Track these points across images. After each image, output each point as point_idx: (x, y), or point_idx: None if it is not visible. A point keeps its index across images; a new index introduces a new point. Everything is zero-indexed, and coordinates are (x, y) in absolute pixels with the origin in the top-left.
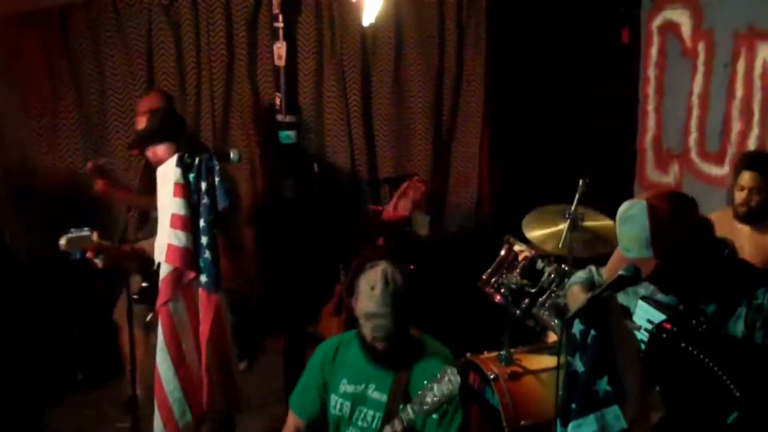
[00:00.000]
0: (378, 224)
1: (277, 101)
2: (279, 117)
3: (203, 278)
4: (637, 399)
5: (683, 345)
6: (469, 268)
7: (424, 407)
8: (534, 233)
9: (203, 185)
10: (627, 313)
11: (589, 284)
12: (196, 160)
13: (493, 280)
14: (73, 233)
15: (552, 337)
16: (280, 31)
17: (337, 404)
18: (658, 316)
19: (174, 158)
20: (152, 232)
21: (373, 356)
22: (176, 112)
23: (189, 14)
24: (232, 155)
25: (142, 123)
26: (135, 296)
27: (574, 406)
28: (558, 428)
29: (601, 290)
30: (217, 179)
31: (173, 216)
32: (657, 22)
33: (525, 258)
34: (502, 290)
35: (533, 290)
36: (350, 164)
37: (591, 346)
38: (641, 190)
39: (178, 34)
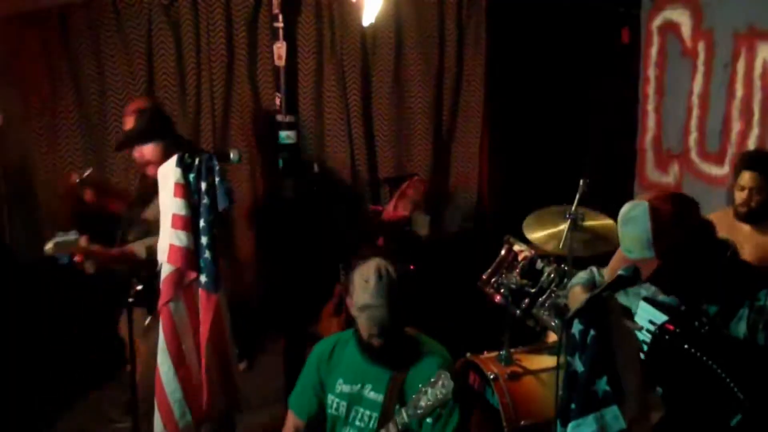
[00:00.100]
0: (378, 224)
1: (277, 101)
2: (279, 117)
3: (203, 278)
4: (636, 399)
5: (686, 346)
6: (469, 268)
7: (418, 411)
8: (535, 234)
9: (203, 185)
10: (629, 313)
11: (591, 285)
12: (196, 160)
13: (493, 280)
14: (60, 237)
15: (552, 337)
16: (280, 31)
17: (333, 404)
18: (660, 317)
19: (174, 158)
20: (143, 233)
21: (370, 354)
22: (163, 113)
23: (189, 14)
24: (232, 155)
25: (129, 123)
26: (130, 299)
27: (573, 406)
28: (558, 428)
29: (600, 290)
30: (217, 179)
31: (174, 216)
32: (657, 22)
33: (525, 258)
34: (502, 290)
35: (533, 290)
36: (350, 164)
37: (590, 346)
38: (641, 190)
39: (178, 34)
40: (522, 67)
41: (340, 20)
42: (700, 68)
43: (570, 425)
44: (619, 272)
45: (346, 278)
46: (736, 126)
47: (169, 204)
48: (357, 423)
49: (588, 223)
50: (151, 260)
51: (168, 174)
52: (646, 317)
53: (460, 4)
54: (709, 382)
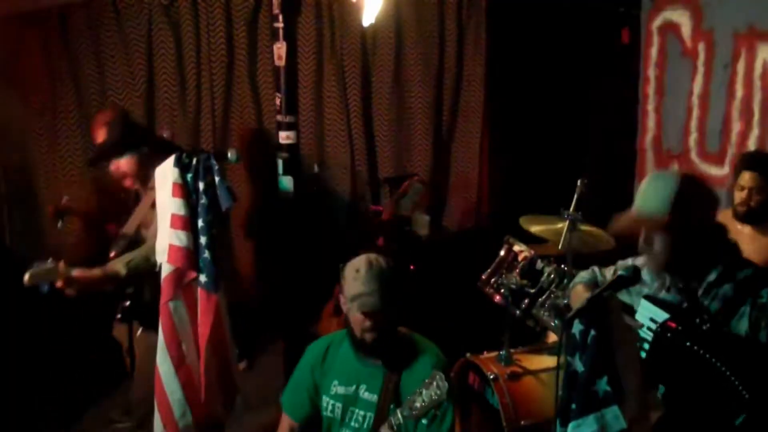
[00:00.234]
0: (378, 224)
1: (277, 101)
2: (279, 117)
3: (202, 278)
4: (636, 399)
5: (688, 344)
6: (469, 268)
7: (413, 412)
8: (533, 227)
9: (201, 185)
10: (630, 311)
11: (593, 284)
12: (194, 160)
13: (492, 280)
14: (36, 267)
15: (552, 337)
16: (280, 31)
17: (328, 406)
18: (661, 315)
19: (172, 158)
20: (122, 248)
21: (363, 351)
22: (134, 122)
23: (189, 14)
24: (229, 155)
25: (100, 137)
26: (118, 316)
27: (573, 406)
28: (558, 428)
29: (600, 290)
30: (217, 179)
31: (173, 216)
32: (657, 22)
33: (525, 258)
34: (502, 290)
35: (533, 290)
36: (350, 164)
37: (591, 346)
38: None
39: (178, 34)
40: (522, 67)
41: (340, 20)
42: (700, 68)
43: (570, 425)
44: (620, 272)
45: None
46: (736, 126)
47: (167, 204)
48: (352, 424)
49: (584, 228)
50: (132, 276)
51: (166, 174)
52: (648, 315)
53: (460, 4)
54: (712, 380)
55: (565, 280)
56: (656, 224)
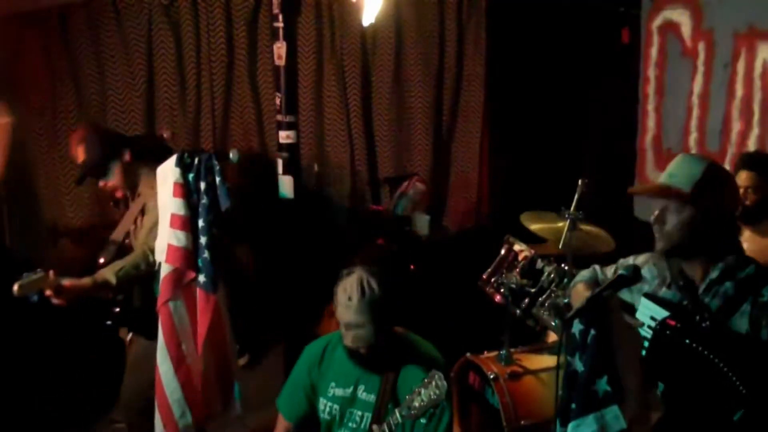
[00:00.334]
0: (378, 224)
1: (277, 101)
2: (279, 117)
3: (201, 278)
4: (636, 399)
5: (688, 341)
6: (469, 268)
7: (412, 412)
8: (533, 225)
9: (202, 185)
10: (631, 310)
11: (594, 283)
12: (195, 160)
13: (493, 279)
14: (26, 278)
15: (552, 337)
16: (280, 31)
17: (326, 408)
18: (662, 313)
19: (173, 158)
20: (112, 255)
21: (358, 360)
22: (107, 134)
23: (189, 14)
24: (231, 155)
25: (80, 155)
26: (108, 322)
27: (573, 405)
28: (557, 428)
29: (600, 289)
30: (218, 179)
31: (173, 216)
32: (657, 22)
33: (525, 258)
34: (502, 290)
35: (533, 290)
36: (350, 164)
37: (590, 346)
38: None
39: (178, 34)
40: (522, 67)
41: (340, 20)
42: (700, 68)
43: (570, 425)
44: (620, 272)
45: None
46: (736, 126)
47: (168, 204)
48: (350, 425)
49: (584, 227)
50: (123, 284)
51: (167, 174)
52: (648, 313)
53: (460, 4)
54: (711, 377)
55: (565, 280)
56: (677, 195)
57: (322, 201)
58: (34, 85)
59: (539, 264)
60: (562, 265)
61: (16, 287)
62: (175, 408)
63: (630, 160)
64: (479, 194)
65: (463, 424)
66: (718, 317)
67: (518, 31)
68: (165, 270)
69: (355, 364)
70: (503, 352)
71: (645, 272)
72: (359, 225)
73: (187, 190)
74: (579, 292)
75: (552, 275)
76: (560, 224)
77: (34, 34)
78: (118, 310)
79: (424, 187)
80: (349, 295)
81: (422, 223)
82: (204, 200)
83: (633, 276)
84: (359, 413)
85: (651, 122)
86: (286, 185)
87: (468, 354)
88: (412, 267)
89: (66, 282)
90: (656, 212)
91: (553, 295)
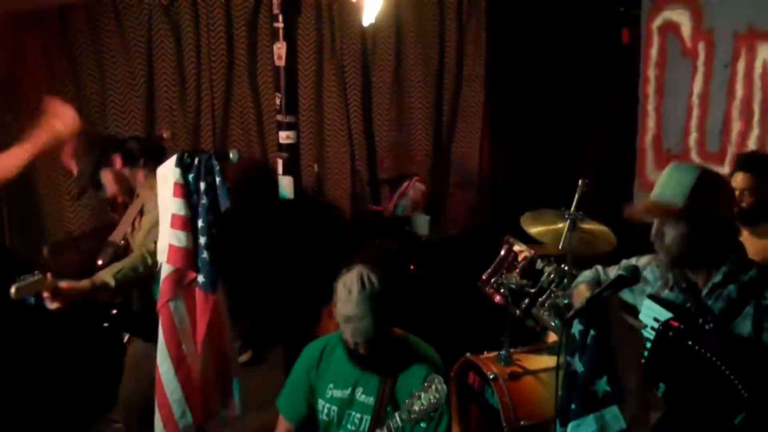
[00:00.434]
0: (378, 224)
1: (277, 101)
2: (279, 117)
3: (200, 278)
4: (636, 399)
5: (690, 343)
6: (469, 268)
7: (412, 416)
8: (533, 228)
9: (202, 185)
10: (634, 311)
11: (596, 283)
12: (195, 160)
13: (492, 280)
14: (23, 280)
15: (552, 337)
16: (280, 31)
17: (324, 409)
18: (665, 315)
19: (173, 158)
20: (110, 257)
21: (358, 360)
22: (94, 143)
23: (189, 14)
24: (231, 155)
25: (73, 168)
26: (105, 324)
27: (573, 406)
28: (557, 428)
29: (600, 290)
30: (217, 179)
31: (173, 216)
32: (657, 22)
33: (525, 258)
34: (502, 290)
35: (533, 290)
36: (350, 164)
37: (590, 346)
38: (641, 190)
39: (178, 34)
40: (522, 67)
41: (340, 20)
42: (700, 68)
43: (570, 425)
44: (620, 272)
45: None
46: (736, 126)
47: (168, 204)
48: (349, 426)
49: (586, 226)
50: (121, 286)
51: (167, 174)
52: (651, 315)
53: (460, 4)
54: (712, 379)
55: (565, 280)
56: (671, 212)
57: (322, 201)
58: (34, 85)
59: (539, 264)
60: (562, 265)
61: (13, 290)
62: (175, 408)
63: (630, 160)
64: (479, 194)
65: (463, 424)
66: (721, 320)
67: (518, 32)
68: (166, 270)
69: (353, 365)
70: (503, 352)
71: (648, 274)
72: (359, 225)
73: (187, 191)
74: (580, 293)
75: (552, 275)
76: (560, 225)
77: (34, 34)
78: (115, 312)
79: (424, 187)
80: (348, 288)
81: (422, 223)
82: (203, 200)
83: (632, 276)
84: (358, 415)
85: (651, 122)
86: (286, 185)
87: (468, 354)
88: (412, 267)
89: (63, 284)
90: (654, 227)
91: (552, 295)
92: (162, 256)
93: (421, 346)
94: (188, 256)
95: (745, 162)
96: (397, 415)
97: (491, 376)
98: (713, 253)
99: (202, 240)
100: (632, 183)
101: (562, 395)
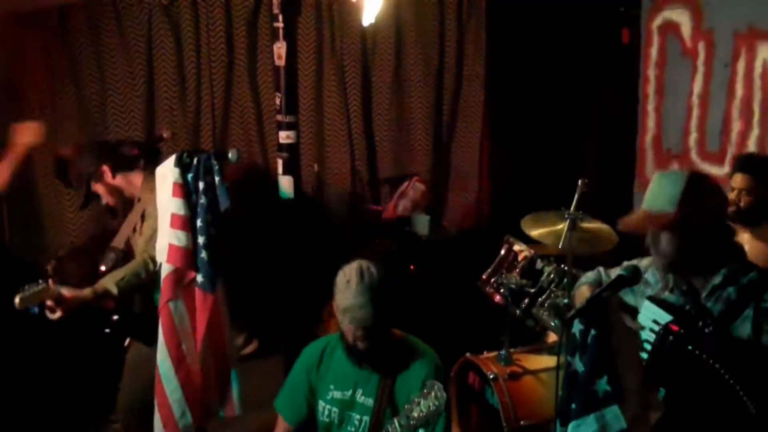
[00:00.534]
0: (378, 224)
1: (277, 101)
2: (279, 117)
3: (199, 278)
4: (636, 399)
5: (690, 348)
6: (469, 268)
7: (411, 422)
8: (533, 231)
9: (201, 185)
10: (634, 312)
11: (598, 285)
12: (194, 160)
13: (492, 280)
14: (27, 290)
15: (552, 337)
16: (280, 31)
17: (324, 410)
18: (664, 317)
19: (172, 158)
20: (112, 263)
21: (357, 358)
22: (85, 152)
23: (189, 14)
24: (230, 155)
25: (74, 176)
26: (107, 330)
27: (573, 405)
28: (557, 428)
29: (600, 290)
30: (217, 179)
31: (173, 216)
32: (657, 22)
33: (525, 258)
34: (502, 290)
35: (533, 290)
36: (350, 164)
37: (591, 346)
38: (641, 190)
39: (178, 34)
40: (522, 67)
41: (340, 20)
42: (700, 68)
43: (570, 425)
44: (620, 272)
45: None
46: (736, 126)
47: (167, 204)
48: (349, 428)
49: (586, 225)
50: (124, 293)
51: (166, 174)
52: (651, 316)
53: (460, 4)
54: (713, 384)
55: (565, 280)
56: (663, 222)
57: (321, 201)
58: (34, 85)
59: (539, 264)
60: (562, 265)
61: (17, 300)
62: (176, 408)
63: (630, 160)
64: (479, 194)
65: (463, 424)
66: (721, 322)
67: (518, 31)
68: (166, 270)
69: (353, 365)
70: (503, 352)
71: (648, 276)
72: (359, 225)
73: (186, 190)
74: (583, 295)
75: (552, 275)
76: (560, 226)
77: (34, 34)
78: (116, 317)
79: (424, 187)
80: (348, 278)
81: (422, 223)
82: (202, 200)
83: (632, 276)
84: (358, 417)
85: (651, 122)
86: (286, 185)
87: (468, 354)
88: (412, 267)
89: (66, 292)
90: (648, 235)
91: (552, 295)
92: (162, 256)
93: (420, 347)
94: (188, 256)
95: (743, 163)
96: (396, 420)
97: (491, 376)
98: (709, 256)
99: (201, 240)
100: (632, 183)
101: (563, 395)
